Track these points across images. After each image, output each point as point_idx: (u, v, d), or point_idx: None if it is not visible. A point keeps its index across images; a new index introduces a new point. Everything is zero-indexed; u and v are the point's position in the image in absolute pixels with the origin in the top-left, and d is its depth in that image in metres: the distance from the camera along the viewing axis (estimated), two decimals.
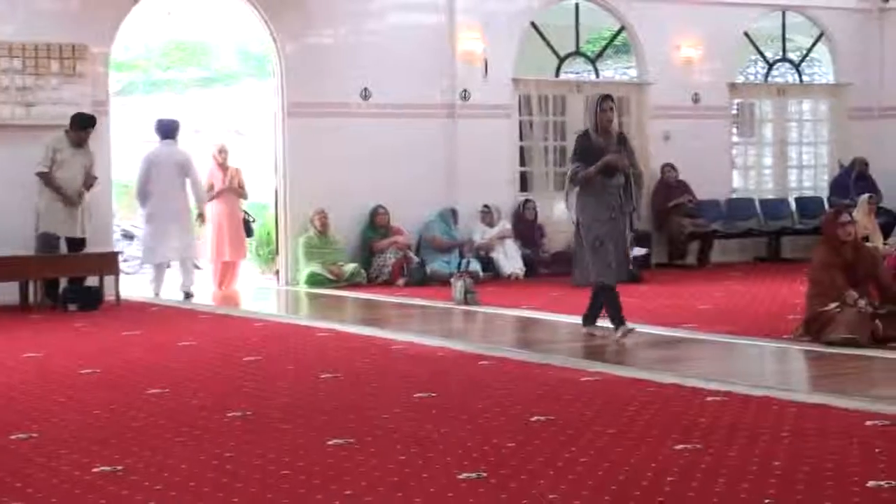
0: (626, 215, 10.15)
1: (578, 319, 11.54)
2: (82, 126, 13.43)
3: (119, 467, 5.95)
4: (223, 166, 15.27)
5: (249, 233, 15.69)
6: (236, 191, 15.29)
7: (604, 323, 10.42)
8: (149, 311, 13.18)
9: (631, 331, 10.09)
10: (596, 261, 10.01)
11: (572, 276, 11.23)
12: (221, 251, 15.29)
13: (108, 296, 13.60)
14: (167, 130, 14.67)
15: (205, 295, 14.64)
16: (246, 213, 15.63)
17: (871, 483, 5.36)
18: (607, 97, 10.23)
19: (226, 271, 15.40)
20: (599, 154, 9.94)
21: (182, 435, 6.68)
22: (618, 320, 10.14)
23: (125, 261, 16.50)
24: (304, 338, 10.72)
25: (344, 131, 15.54)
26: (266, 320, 12.21)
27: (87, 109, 13.85)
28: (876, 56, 19.20)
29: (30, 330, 11.63)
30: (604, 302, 10.23)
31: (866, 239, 15.13)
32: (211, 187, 15.19)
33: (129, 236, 18.44)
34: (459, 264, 14.68)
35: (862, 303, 9.44)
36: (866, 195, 17.40)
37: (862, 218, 16.14)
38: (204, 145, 16.49)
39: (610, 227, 10.01)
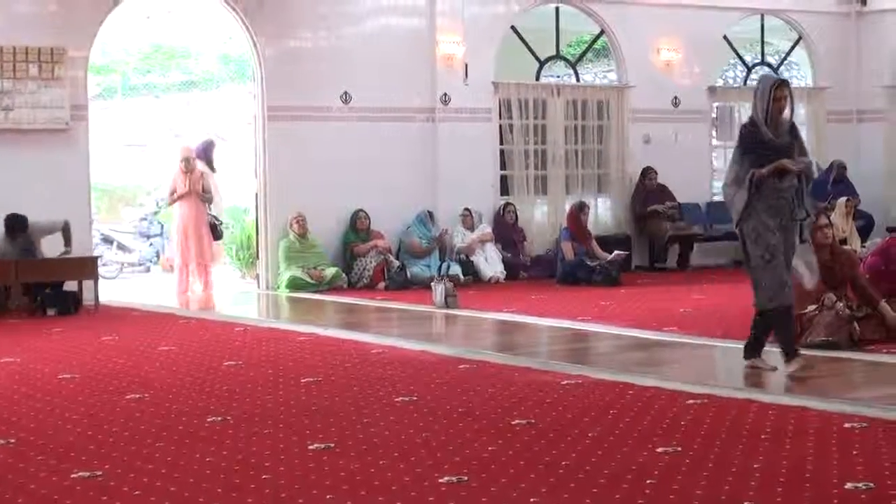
0: (798, 224, 8.57)
1: (558, 322, 11.58)
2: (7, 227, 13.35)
3: (98, 473, 5.94)
4: (187, 171, 15.28)
5: (218, 236, 15.71)
6: (200, 195, 15.31)
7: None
8: (128, 316, 13.14)
9: (805, 365, 8.55)
10: (765, 278, 8.42)
11: (755, 299, 8.74)
12: (186, 256, 15.29)
13: (87, 301, 13.56)
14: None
15: (171, 299, 14.64)
16: (214, 217, 15.65)
17: (849, 485, 5.38)
18: (784, 82, 8.61)
19: (199, 275, 15.38)
20: (771, 150, 8.42)
21: (162, 440, 6.66)
22: (791, 349, 8.58)
23: (104, 265, 16.47)
24: (284, 342, 10.70)
25: (324, 135, 15.53)
26: (246, 324, 12.18)
27: (66, 113, 13.86)
28: (853, 59, 19.28)
29: (8, 335, 11.58)
30: (774, 326, 8.66)
31: (844, 242, 15.19)
32: (174, 191, 15.24)
33: (108, 241, 18.41)
34: (440, 268, 14.69)
35: (840, 305, 9.46)
36: (844, 198, 17.47)
37: (840, 221, 16.20)
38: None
39: (780, 238, 8.44)
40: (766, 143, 8.44)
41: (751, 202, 8.45)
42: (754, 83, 19.85)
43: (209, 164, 15.97)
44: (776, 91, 8.46)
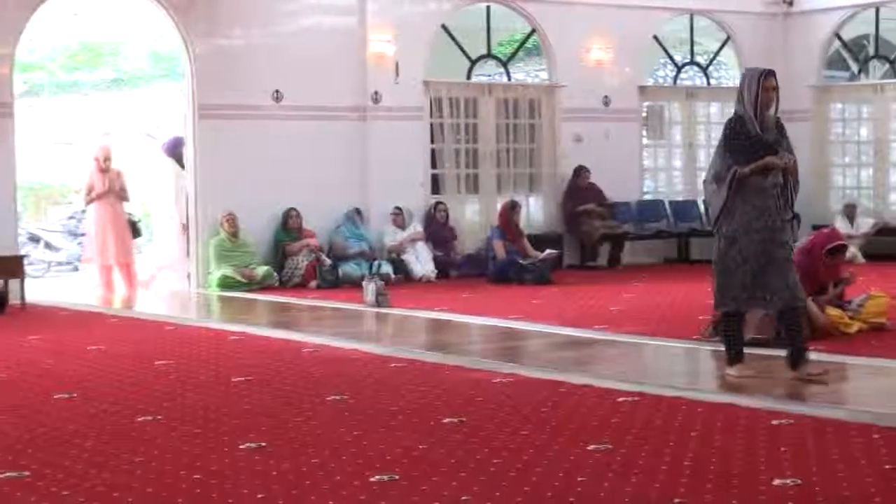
0: (786, 224, 8.18)
1: (489, 321, 11.61)
2: None
3: (26, 473, 5.87)
4: (104, 169, 15.16)
5: (136, 234, 15.64)
6: (118, 193, 15.21)
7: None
8: (56, 316, 13.00)
9: (747, 375, 8.24)
10: (725, 280, 8.16)
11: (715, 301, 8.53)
12: (106, 255, 15.17)
13: (14, 300, 13.41)
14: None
15: (92, 299, 14.52)
16: (130, 214, 15.55)
17: (777, 481, 5.44)
18: (771, 73, 8.20)
19: (122, 275, 15.27)
20: (757, 146, 8.04)
21: (91, 439, 6.60)
22: (739, 354, 8.34)
23: (31, 264, 16.28)
24: (215, 341, 10.64)
25: (255, 133, 15.46)
26: (177, 324, 12.10)
27: None
28: (781, 59, 19.46)
29: None
30: (727, 328, 8.41)
31: None
32: (91, 190, 15.11)
33: (35, 239, 18.21)
34: (371, 267, 14.67)
35: None
36: None
37: None
38: (115, 148, 16.30)
39: (762, 240, 8.03)
40: (752, 139, 8.05)
41: (730, 201, 8.03)
42: (684, 83, 19.99)
43: (179, 161, 15.79)
44: (765, 81, 8.09)
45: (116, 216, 15.24)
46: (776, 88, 8.16)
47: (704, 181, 8.45)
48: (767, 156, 8.03)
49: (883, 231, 18.09)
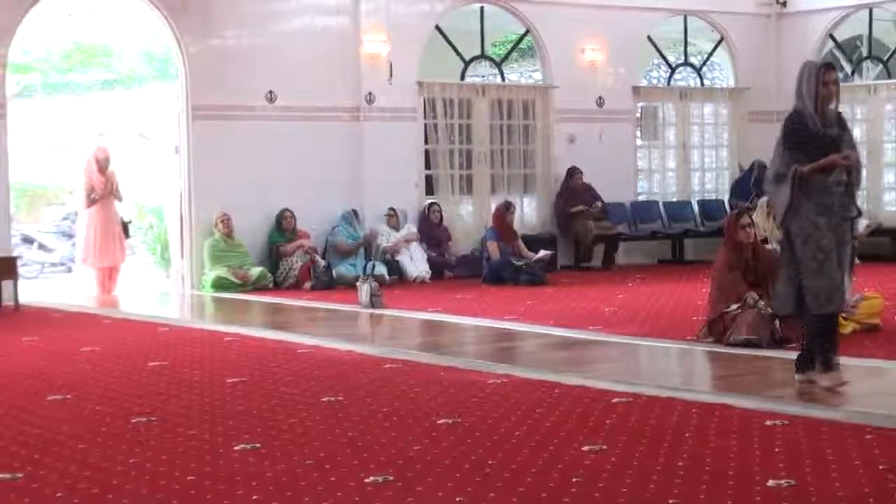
0: (849, 223, 7.82)
1: (484, 322, 11.60)
2: None
3: (19, 474, 5.87)
4: (103, 170, 15.15)
5: (127, 235, 15.63)
6: (116, 194, 15.22)
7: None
8: (50, 317, 12.99)
9: (842, 381, 7.84)
10: (816, 281, 7.62)
11: (773, 301, 8.38)
12: (103, 256, 15.16)
13: (7, 302, 13.40)
14: None
15: (86, 300, 14.50)
16: (122, 215, 15.56)
17: (771, 482, 5.45)
18: (831, 66, 7.88)
19: (109, 275, 15.27)
20: (819, 142, 7.67)
21: (85, 441, 6.59)
22: (832, 361, 7.87)
23: (24, 265, 16.27)
24: (209, 342, 10.63)
25: (249, 134, 15.45)
26: (171, 325, 12.10)
27: None
28: (773, 60, 19.52)
29: None
30: (819, 333, 7.87)
31: (766, 241, 15.36)
32: (91, 191, 15.07)
33: (29, 240, 18.18)
34: (365, 268, 14.67)
35: (762, 304, 9.57)
36: (765, 198, 17.65)
37: (762, 220, 16.37)
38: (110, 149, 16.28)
39: (832, 238, 7.65)
40: (813, 136, 7.69)
41: (795, 201, 7.63)
42: (678, 83, 20.00)
43: None
44: (825, 75, 7.74)
45: (112, 217, 15.23)
46: (836, 82, 7.79)
47: (765, 180, 8.04)
48: (830, 152, 7.67)
49: (877, 232, 18.10)
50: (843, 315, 10.05)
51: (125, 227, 15.57)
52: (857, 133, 19.00)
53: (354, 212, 15.93)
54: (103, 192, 15.12)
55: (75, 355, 9.97)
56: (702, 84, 20.23)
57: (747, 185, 18.79)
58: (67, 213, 19.29)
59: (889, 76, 19.61)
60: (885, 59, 19.88)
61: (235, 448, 6.34)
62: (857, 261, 16.92)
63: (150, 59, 21.21)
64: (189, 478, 5.75)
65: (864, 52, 20.19)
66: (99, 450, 6.40)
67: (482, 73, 19.79)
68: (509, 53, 19.11)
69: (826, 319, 7.78)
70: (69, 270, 18.12)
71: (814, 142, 7.66)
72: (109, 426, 7.01)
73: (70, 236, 18.63)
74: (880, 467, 5.68)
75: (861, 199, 18.48)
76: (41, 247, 18.38)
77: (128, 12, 16.86)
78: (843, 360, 8.80)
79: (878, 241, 18.10)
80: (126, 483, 5.68)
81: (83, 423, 7.12)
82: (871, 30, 19.48)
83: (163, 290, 15.89)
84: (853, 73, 20.59)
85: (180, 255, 15.71)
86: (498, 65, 18.55)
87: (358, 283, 13.31)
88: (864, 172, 18.67)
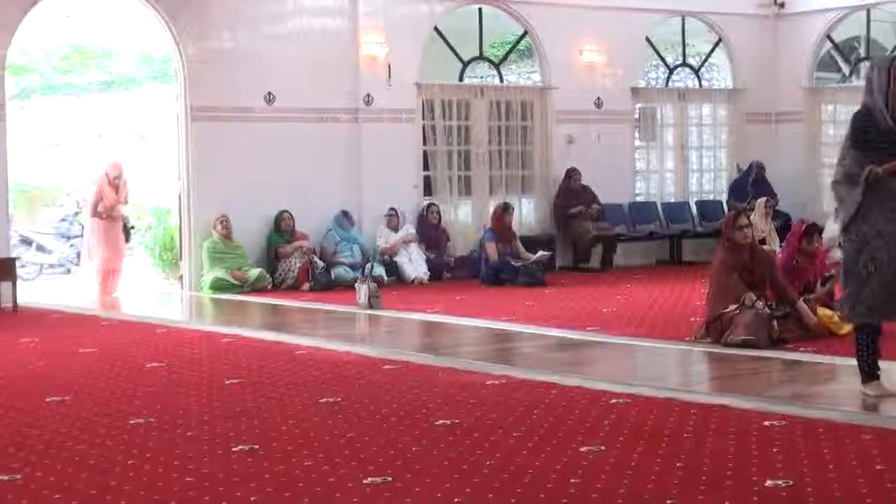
0: None
1: (482, 323, 11.61)
2: None
3: (18, 476, 5.87)
4: (114, 186, 15.18)
5: (128, 238, 15.63)
6: (122, 202, 15.28)
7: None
8: (48, 318, 12.98)
9: (886, 393, 7.47)
10: (863, 290, 7.28)
11: (840, 306, 7.97)
12: (104, 260, 15.17)
13: (6, 303, 13.41)
14: None
15: (85, 301, 14.50)
16: (125, 218, 15.55)
17: (769, 482, 5.46)
18: None
19: (110, 276, 15.29)
20: (891, 140, 7.21)
21: (83, 443, 6.60)
22: (873, 371, 7.51)
23: (23, 266, 16.27)
24: (208, 344, 10.64)
25: (248, 136, 15.44)
26: (169, 326, 12.09)
27: None
28: (772, 61, 19.53)
29: None
30: (860, 343, 7.51)
31: (763, 242, 15.38)
32: (97, 204, 15.09)
33: (27, 242, 18.19)
34: (364, 269, 14.67)
35: (759, 305, 9.58)
36: (763, 198, 17.71)
37: (759, 221, 16.41)
38: (106, 150, 16.31)
39: (890, 251, 7.20)
40: (884, 133, 7.23)
41: (865, 204, 7.23)
42: (676, 84, 19.96)
43: None
44: None
45: (116, 227, 15.28)
46: None
47: (834, 182, 7.54)
48: None
49: None
50: (840, 315, 10.08)
51: (127, 232, 15.58)
52: None
53: (345, 213, 15.91)
54: (110, 207, 15.14)
55: (74, 357, 9.97)
56: (700, 85, 20.24)
57: (745, 185, 18.84)
58: (66, 215, 19.32)
59: None
60: None
61: (234, 449, 6.35)
62: None
63: (149, 60, 21.24)
64: (187, 479, 5.76)
65: (862, 53, 20.20)
66: (97, 451, 6.40)
67: (480, 75, 19.80)
68: (508, 54, 19.11)
69: (868, 329, 7.44)
70: (68, 272, 18.15)
71: (884, 139, 7.22)
72: (108, 427, 7.01)
73: (68, 238, 18.65)
74: (878, 467, 5.68)
75: None
76: (39, 248, 18.38)
77: (126, 14, 16.87)
78: (839, 361, 8.86)
79: None
80: (124, 484, 5.69)
81: (81, 424, 7.12)
82: (869, 31, 19.50)
83: (162, 291, 15.88)
84: (851, 74, 20.60)
85: (179, 257, 15.73)
86: (496, 66, 18.54)
87: (356, 285, 13.32)
88: None
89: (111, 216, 15.18)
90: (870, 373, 7.48)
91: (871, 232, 7.24)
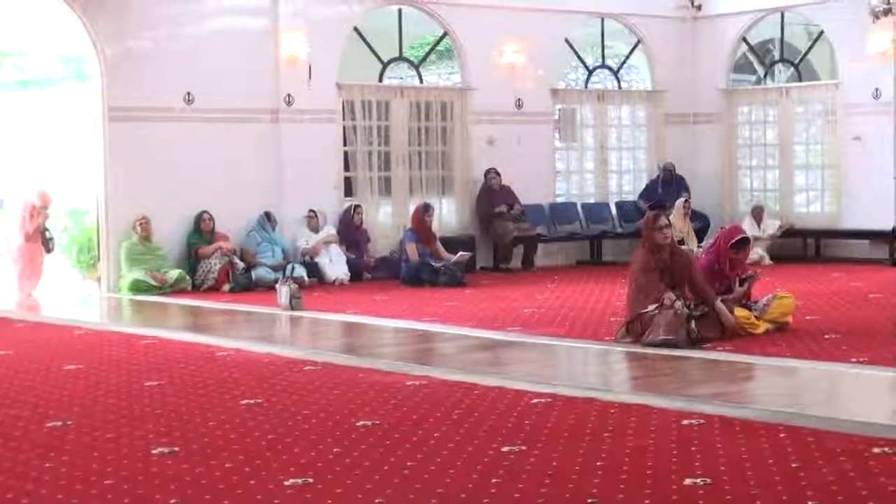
0: None
1: (403, 323, 11.61)
2: None
3: None
4: (40, 214, 15.12)
5: (49, 250, 15.45)
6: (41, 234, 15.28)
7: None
8: None
9: None
10: None
11: None
12: (25, 276, 15.11)
13: None
14: None
15: (6, 304, 14.33)
16: (46, 230, 15.37)
17: (688, 480, 5.52)
18: None
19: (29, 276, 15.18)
20: None
21: None
22: None
23: None
24: (127, 346, 10.54)
25: (167, 136, 15.33)
26: (87, 328, 11.97)
27: None
28: (689, 63, 19.74)
29: None
30: None
31: (682, 242, 15.55)
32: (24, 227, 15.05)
33: None
34: (284, 270, 14.60)
35: (679, 305, 9.67)
36: (682, 199, 17.91)
37: (677, 221, 16.60)
38: (19, 151, 16.09)
39: None
40: None
41: None
42: (595, 86, 20.20)
43: None
44: None
45: (38, 248, 15.20)
46: None
47: None
48: None
49: (789, 233, 18.40)
50: (756, 315, 10.23)
51: (46, 242, 15.40)
52: (769, 135, 19.33)
53: (268, 214, 15.84)
54: (34, 232, 15.04)
55: None
56: (619, 86, 20.40)
57: (655, 186, 19.06)
58: None
59: (800, 79, 19.92)
60: (797, 62, 20.19)
61: (154, 452, 6.30)
62: (769, 261, 17.33)
63: (66, 60, 20.97)
64: (106, 482, 5.71)
65: (776, 56, 20.49)
66: (13, 454, 6.33)
67: (400, 75, 19.81)
68: (427, 55, 19.13)
69: None
70: None
71: None
72: (24, 430, 6.93)
73: None
74: (793, 465, 5.77)
75: (773, 200, 18.96)
76: None
77: (43, 13, 16.64)
78: (756, 360, 8.99)
79: (789, 242, 18.41)
80: (41, 488, 5.63)
81: None
82: (783, 33, 19.79)
83: (79, 292, 15.70)
84: (766, 75, 20.89)
85: (98, 258, 15.57)
86: (416, 67, 18.57)
87: (277, 286, 13.26)
88: (776, 173, 19.03)
89: (34, 245, 15.16)
90: None
91: None
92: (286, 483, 5.62)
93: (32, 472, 5.92)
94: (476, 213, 17.74)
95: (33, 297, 14.98)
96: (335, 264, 15.97)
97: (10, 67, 21.96)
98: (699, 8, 19.53)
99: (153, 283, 14.83)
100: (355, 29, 17.07)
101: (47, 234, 15.43)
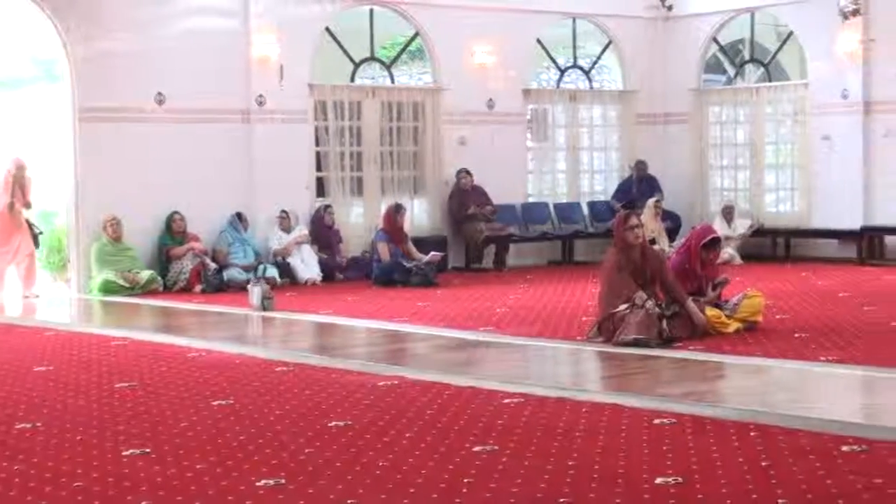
0: None
1: (375, 324, 11.61)
2: None
3: None
4: (18, 180, 14.97)
5: (37, 245, 15.36)
6: (25, 202, 15.04)
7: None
8: None
9: None
10: None
11: None
12: (6, 257, 14.96)
13: None
14: None
15: None
16: (33, 225, 15.29)
17: (659, 479, 5.53)
18: None
19: (27, 270, 15.08)
20: None
21: None
22: None
23: None
24: (98, 347, 10.50)
25: (138, 137, 15.28)
26: (57, 329, 11.92)
27: None
28: (660, 63, 19.79)
29: None
30: None
31: (653, 242, 15.60)
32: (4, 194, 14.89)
33: None
34: (256, 270, 14.59)
35: (650, 304, 9.70)
36: (653, 199, 17.98)
37: (649, 221, 16.64)
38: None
39: None
40: None
41: None
42: (567, 86, 20.27)
43: None
44: None
45: (21, 223, 15.04)
46: None
47: None
48: None
49: (759, 232, 18.48)
50: (727, 314, 10.28)
51: (35, 238, 15.31)
52: (739, 135, 19.41)
53: (239, 215, 15.81)
54: (7, 203, 14.94)
55: None
56: (591, 87, 20.43)
57: (629, 185, 19.11)
58: None
59: (770, 79, 20.00)
60: (766, 62, 20.28)
61: (125, 453, 6.28)
62: (739, 261, 17.42)
63: (36, 60, 20.86)
64: (76, 484, 5.68)
65: (747, 56, 20.57)
66: None
67: (372, 76, 19.80)
68: (399, 55, 19.13)
69: None
70: None
71: None
72: None
73: None
74: (763, 464, 5.79)
75: (743, 200, 19.05)
76: None
77: (10, 13, 16.55)
78: (727, 359, 9.02)
79: (759, 242, 18.48)
80: (10, 490, 5.60)
81: None
82: (753, 34, 19.86)
83: (49, 293, 15.62)
84: (736, 75, 20.97)
85: (68, 259, 15.51)
86: (388, 67, 18.56)
87: (249, 286, 13.23)
88: (747, 173, 19.13)
89: (17, 211, 14.99)
90: None
91: None
92: (258, 484, 5.61)
93: (2, 474, 5.89)
94: (448, 213, 17.75)
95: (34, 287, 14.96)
96: (307, 265, 15.95)
97: None
98: (670, 8, 19.58)
99: (124, 283, 14.78)
100: (327, 29, 17.06)
101: (35, 228, 15.34)
